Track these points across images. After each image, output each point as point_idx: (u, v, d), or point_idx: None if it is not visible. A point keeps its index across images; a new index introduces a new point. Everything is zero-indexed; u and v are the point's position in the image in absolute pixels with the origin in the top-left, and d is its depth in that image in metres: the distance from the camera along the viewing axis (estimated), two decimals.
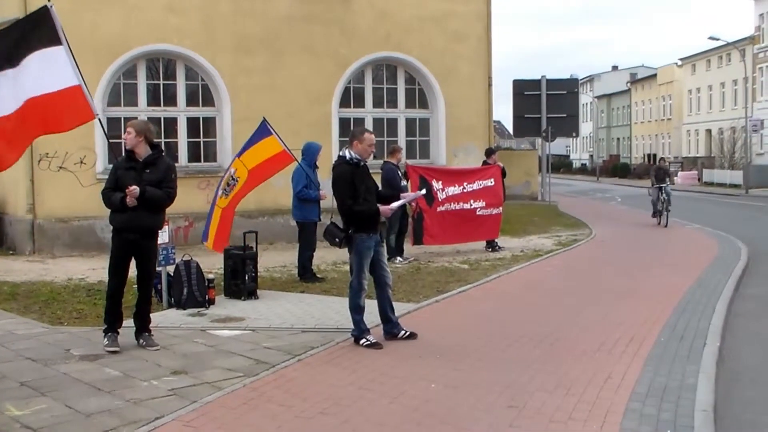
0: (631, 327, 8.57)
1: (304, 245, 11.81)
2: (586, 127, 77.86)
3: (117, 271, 7.72)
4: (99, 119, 7.36)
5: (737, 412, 6.13)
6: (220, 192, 10.33)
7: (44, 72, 7.07)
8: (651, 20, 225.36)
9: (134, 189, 7.37)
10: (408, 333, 8.06)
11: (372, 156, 8.16)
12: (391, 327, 8.07)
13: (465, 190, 15.09)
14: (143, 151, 7.63)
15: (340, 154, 7.98)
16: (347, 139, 17.35)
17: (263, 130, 10.43)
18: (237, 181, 10.23)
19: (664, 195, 21.26)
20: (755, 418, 6.04)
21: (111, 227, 7.78)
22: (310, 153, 11.83)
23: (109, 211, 7.72)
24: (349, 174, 7.74)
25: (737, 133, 48.68)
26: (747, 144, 45.04)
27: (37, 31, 7.09)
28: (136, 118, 15.74)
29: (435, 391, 6.28)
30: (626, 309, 9.69)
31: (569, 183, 56.17)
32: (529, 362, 7.18)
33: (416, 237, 14.66)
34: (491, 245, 15.73)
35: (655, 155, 67.29)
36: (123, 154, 7.91)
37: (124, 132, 7.69)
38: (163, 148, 8.12)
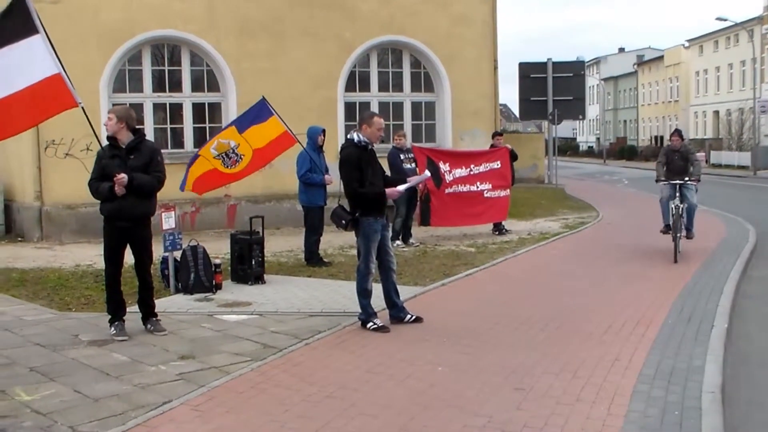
0: (638, 309, 8.56)
1: (310, 230, 11.82)
2: (592, 110, 77.49)
3: (111, 259, 7.69)
4: (82, 107, 7.27)
5: (745, 394, 6.13)
6: (215, 152, 10.42)
7: (23, 65, 6.94)
8: (658, 1, 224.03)
9: (122, 177, 7.28)
10: (414, 317, 8.06)
11: (380, 140, 8.16)
12: (397, 311, 8.08)
13: (472, 172, 15.05)
14: (125, 138, 7.56)
15: (349, 137, 7.96)
16: (353, 123, 17.45)
17: (263, 109, 10.44)
18: (241, 158, 10.36)
19: (680, 202, 12.46)
20: (764, 399, 6.04)
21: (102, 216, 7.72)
22: (310, 136, 11.84)
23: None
24: (356, 157, 7.74)
25: (745, 114, 48.47)
26: (755, 125, 44.81)
27: (13, 22, 6.96)
28: (141, 104, 15.92)
29: (442, 375, 6.29)
30: (633, 291, 9.68)
31: (576, 166, 56.05)
32: (535, 345, 7.19)
33: (423, 218, 14.65)
34: (498, 228, 15.72)
35: (662, 137, 67.11)
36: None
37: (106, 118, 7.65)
38: (145, 132, 8.04)
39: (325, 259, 12.00)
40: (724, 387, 5.95)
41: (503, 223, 15.89)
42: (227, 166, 10.32)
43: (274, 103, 16.09)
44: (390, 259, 8.05)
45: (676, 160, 12.92)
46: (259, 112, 10.53)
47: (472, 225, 15.58)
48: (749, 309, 9.17)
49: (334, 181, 11.52)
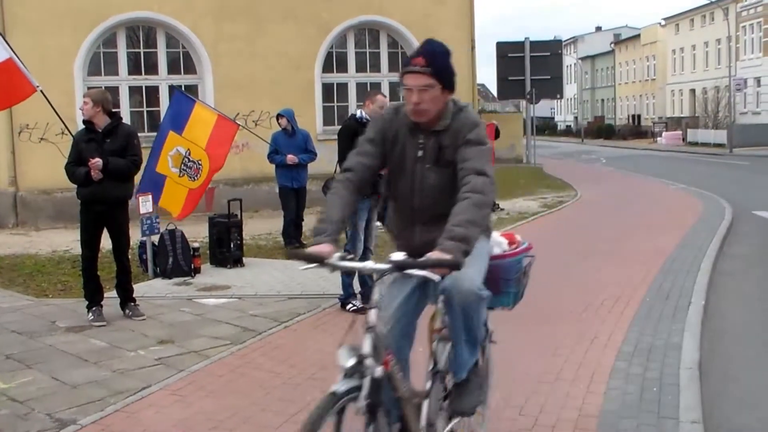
0: (616, 287, 8.61)
1: (283, 210, 11.83)
2: (570, 89, 77.69)
3: (88, 244, 7.61)
4: (41, 91, 7.15)
5: (722, 369, 6.18)
6: (175, 169, 9.92)
7: None
8: None
9: (97, 162, 7.22)
10: None
11: None
12: (367, 290, 8.08)
13: None
14: (102, 121, 7.47)
15: (353, 113, 8.05)
16: (331, 104, 17.36)
17: (182, 101, 10.17)
18: (199, 164, 9.92)
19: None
20: (739, 374, 6.09)
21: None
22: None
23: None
24: (352, 130, 7.72)
25: (721, 92, 48.70)
26: (731, 103, 45.11)
27: None
28: (117, 87, 15.76)
29: (422, 355, 6.28)
30: (612, 270, 9.73)
31: (554, 145, 56.19)
32: (515, 324, 7.19)
33: None
34: (493, 207, 15.81)
35: (639, 116, 67.40)
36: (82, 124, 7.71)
37: (82, 102, 7.57)
38: (121, 115, 7.96)
39: (304, 242, 11.97)
40: (701, 363, 6.00)
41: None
42: (193, 179, 9.97)
43: (252, 84, 16.03)
44: (370, 239, 8.04)
45: (419, 165, 3.82)
46: (181, 106, 10.15)
47: None
48: (726, 286, 9.25)
49: (296, 160, 11.52)
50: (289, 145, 11.64)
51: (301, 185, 11.75)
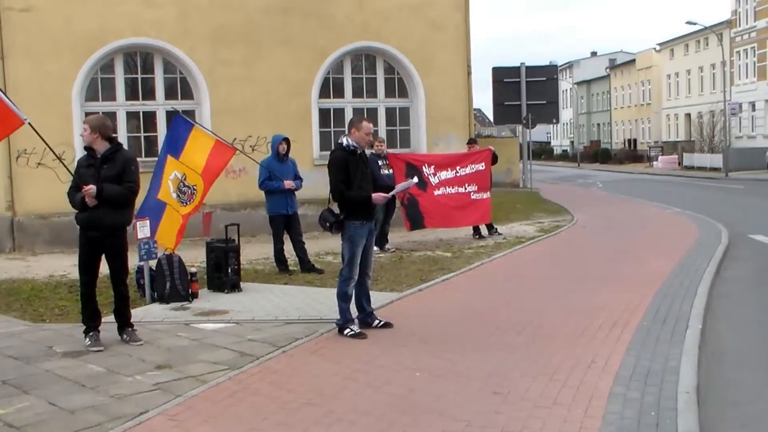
0: (613, 312, 8.61)
1: (274, 237, 11.84)
2: (566, 114, 78.11)
3: (85, 269, 7.65)
4: (29, 123, 7.22)
5: (720, 393, 6.17)
6: (174, 195, 9.96)
7: None
8: (628, 5, 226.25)
9: (89, 188, 7.26)
10: (383, 322, 8.06)
11: (370, 145, 8.18)
12: (365, 316, 8.09)
13: (458, 174, 15.15)
14: (101, 147, 7.52)
15: (339, 141, 7.99)
16: (328, 129, 17.43)
17: (181, 124, 10.22)
18: (194, 190, 9.96)
19: None
20: (737, 398, 6.09)
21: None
22: (272, 144, 11.99)
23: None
24: (342, 160, 7.75)
25: (716, 116, 48.98)
26: (726, 127, 45.33)
27: None
28: (114, 113, 15.82)
29: (420, 380, 6.29)
30: (609, 294, 9.74)
31: (551, 170, 56.34)
32: (512, 349, 7.21)
33: (414, 222, 14.67)
34: (490, 230, 15.93)
35: (635, 140, 67.72)
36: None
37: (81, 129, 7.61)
38: (120, 141, 8.00)
39: (290, 267, 11.95)
40: (699, 387, 6.00)
41: (494, 225, 16.29)
42: (185, 204, 9.96)
43: (249, 109, 16.10)
44: (368, 264, 8.05)
45: None
46: (179, 129, 10.19)
47: (463, 226, 15.70)
48: (723, 309, 9.25)
49: (294, 185, 11.58)
50: (283, 171, 11.68)
51: (294, 210, 11.80)
